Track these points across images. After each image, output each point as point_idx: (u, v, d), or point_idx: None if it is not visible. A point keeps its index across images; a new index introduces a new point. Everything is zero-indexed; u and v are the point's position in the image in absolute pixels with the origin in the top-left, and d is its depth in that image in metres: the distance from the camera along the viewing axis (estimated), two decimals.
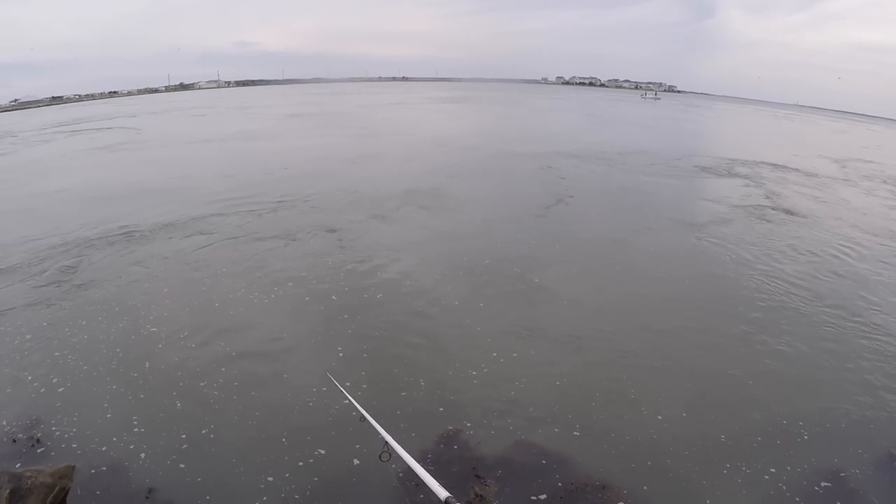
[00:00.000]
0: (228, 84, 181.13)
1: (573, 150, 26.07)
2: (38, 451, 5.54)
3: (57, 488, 4.82)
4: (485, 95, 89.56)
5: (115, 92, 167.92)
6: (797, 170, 24.37)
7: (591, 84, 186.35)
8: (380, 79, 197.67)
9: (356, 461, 5.51)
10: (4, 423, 6.03)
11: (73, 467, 5.21)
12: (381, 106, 60.87)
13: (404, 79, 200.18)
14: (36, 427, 5.91)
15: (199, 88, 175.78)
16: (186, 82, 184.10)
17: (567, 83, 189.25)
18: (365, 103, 64.67)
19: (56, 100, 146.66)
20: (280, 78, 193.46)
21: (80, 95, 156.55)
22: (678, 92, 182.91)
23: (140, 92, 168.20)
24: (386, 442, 3.61)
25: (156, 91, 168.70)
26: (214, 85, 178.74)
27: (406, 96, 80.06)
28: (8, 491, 4.47)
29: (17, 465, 5.26)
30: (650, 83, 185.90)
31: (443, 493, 2.90)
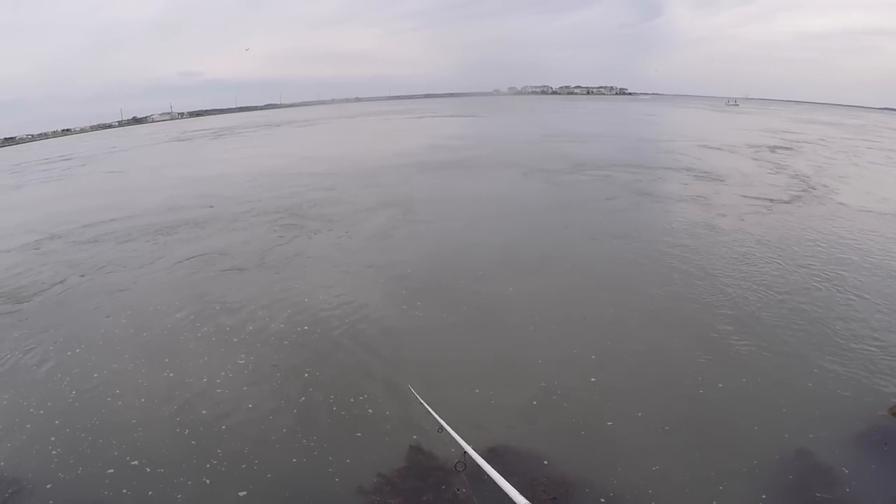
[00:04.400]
0: (182, 115, 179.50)
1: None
2: (8, 491, 5.74)
3: None
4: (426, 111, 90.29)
5: (68, 130, 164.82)
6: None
7: (542, 92, 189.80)
8: (332, 100, 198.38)
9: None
10: None
11: None
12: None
13: (357, 99, 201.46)
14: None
15: (153, 122, 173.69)
16: (139, 116, 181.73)
17: (519, 93, 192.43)
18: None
19: (9, 140, 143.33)
20: (233, 106, 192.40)
21: (32, 135, 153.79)
22: (629, 94, 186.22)
23: (93, 128, 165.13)
24: (464, 451, 3.63)
25: (109, 126, 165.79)
26: (168, 117, 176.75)
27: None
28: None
29: None
30: (601, 87, 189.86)
31: (522, 501, 2.90)
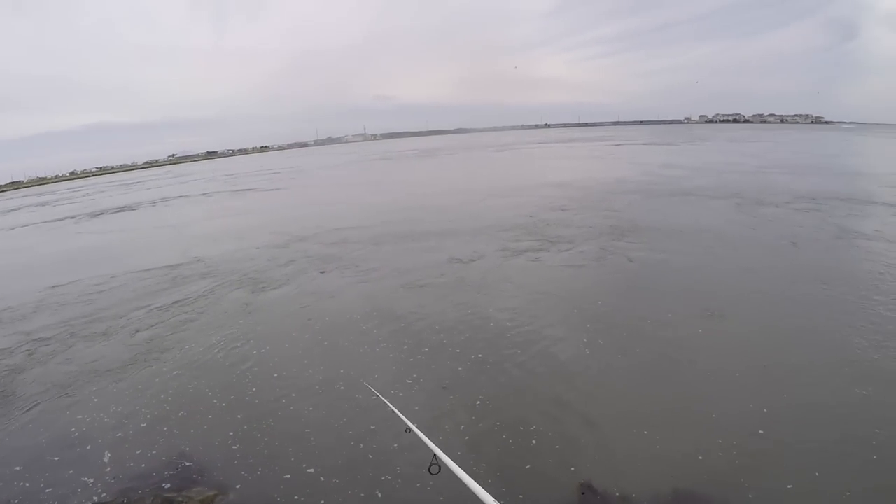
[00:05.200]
0: (374, 137, 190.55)
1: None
2: (188, 477, 6.00)
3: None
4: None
5: (266, 147, 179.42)
6: None
7: (734, 121, 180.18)
8: (522, 126, 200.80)
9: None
10: (164, 443, 6.68)
11: (215, 495, 5.59)
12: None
13: (546, 125, 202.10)
14: (187, 455, 6.42)
15: (347, 142, 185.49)
16: (334, 136, 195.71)
17: (710, 121, 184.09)
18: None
19: (211, 154, 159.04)
20: (424, 129, 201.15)
21: (233, 150, 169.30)
22: (826, 122, 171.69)
23: (290, 146, 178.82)
24: (434, 454, 3.49)
25: (304, 145, 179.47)
26: (361, 138, 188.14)
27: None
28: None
29: (167, 487, 5.81)
30: (796, 115, 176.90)
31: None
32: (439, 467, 3.46)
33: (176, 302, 12.34)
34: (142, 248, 19.92)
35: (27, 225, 33.75)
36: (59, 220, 34.21)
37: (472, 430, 6.53)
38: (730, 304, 9.95)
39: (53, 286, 14.95)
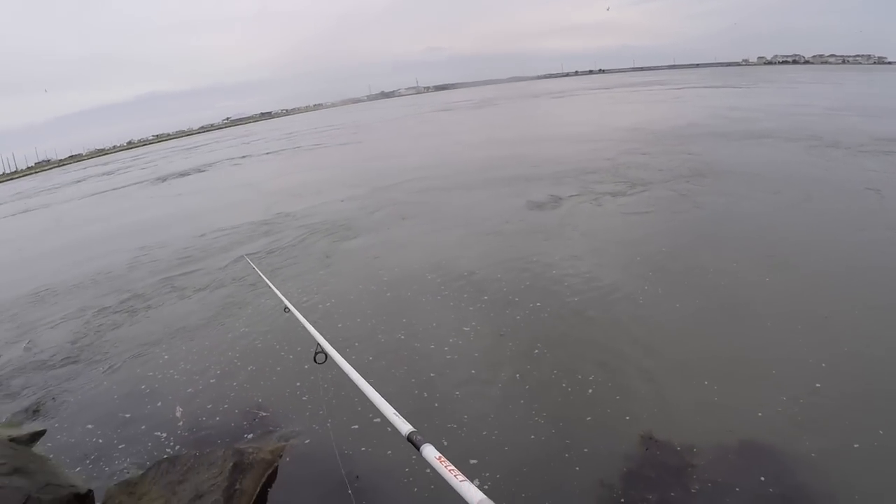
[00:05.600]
0: (427, 89, 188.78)
1: None
2: (259, 429, 6.13)
3: (273, 465, 5.32)
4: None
5: (319, 104, 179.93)
6: None
7: (794, 62, 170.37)
8: (576, 73, 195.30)
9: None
10: (234, 397, 6.85)
11: (284, 446, 5.69)
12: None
13: (601, 71, 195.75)
14: (257, 408, 6.55)
15: (400, 95, 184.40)
16: (387, 90, 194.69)
17: (769, 63, 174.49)
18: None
19: (265, 115, 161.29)
20: (476, 80, 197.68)
21: (286, 109, 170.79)
22: (889, 63, 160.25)
23: (343, 102, 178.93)
24: (317, 343, 3.60)
25: (357, 101, 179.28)
26: (413, 91, 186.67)
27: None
28: (231, 464, 4.83)
29: (238, 439, 5.92)
30: (857, 56, 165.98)
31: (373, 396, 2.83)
32: (325, 356, 3.64)
33: (256, 256, 12.57)
34: (225, 207, 20.40)
35: (100, 192, 34.96)
36: (129, 185, 35.45)
37: (530, 378, 6.49)
38: (797, 251, 9.53)
39: (142, 247, 15.56)
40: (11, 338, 10.13)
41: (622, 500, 4.58)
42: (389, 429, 2.83)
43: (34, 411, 7.37)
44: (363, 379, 3.11)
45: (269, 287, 5.83)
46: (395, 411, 2.69)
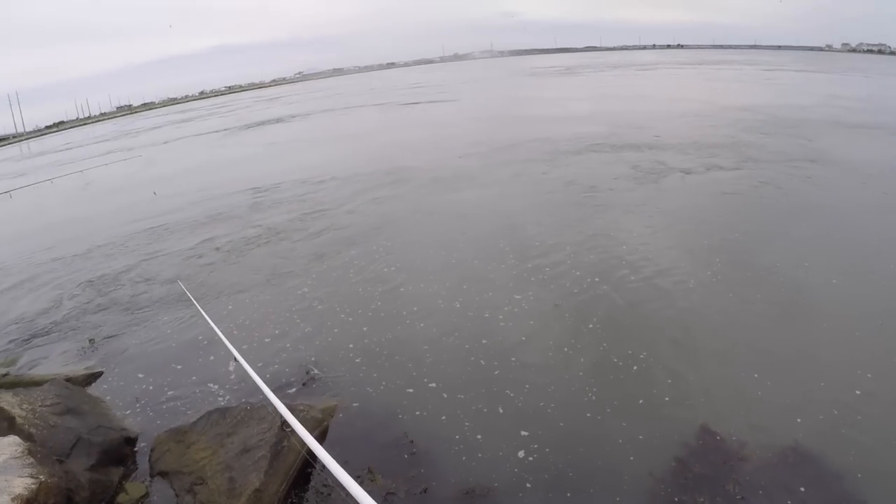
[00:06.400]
0: (501, 54, 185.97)
1: None
2: (312, 386, 6.06)
3: (324, 424, 5.22)
4: None
5: (392, 63, 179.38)
6: None
7: (879, 52, 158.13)
8: (654, 46, 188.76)
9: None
10: (286, 356, 6.76)
11: (336, 406, 5.58)
12: None
13: (679, 46, 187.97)
14: (311, 366, 6.44)
15: (474, 58, 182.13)
16: (460, 53, 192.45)
17: (853, 50, 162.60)
18: None
19: (337, 71, 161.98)
20: (552, 47, 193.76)
21: (358, 67, 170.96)
22: None
23: (416, 62, 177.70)
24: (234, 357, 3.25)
25: (430, 62, 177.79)
26: (488, 55, 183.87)
27: None
28: (281, 420, 4.70)
29: (290, 395, 5.87)
30: None
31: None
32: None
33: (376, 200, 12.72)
34: (339, 157, 20.24)
35: (186, 137, 36.09)
36: (220, 131, 36.50)
37: (583, 354, 6.29)
38: (878, 255, 8.73)
39: (255, 188, 15.83)
40: (90, 278, 10.44)
41: (674, 499, 4.34)
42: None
43: (93, 352, 7.53)
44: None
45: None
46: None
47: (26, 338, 8.27)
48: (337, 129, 30.57)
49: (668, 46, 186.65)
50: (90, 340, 7.82)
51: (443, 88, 53.83)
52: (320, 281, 8.97)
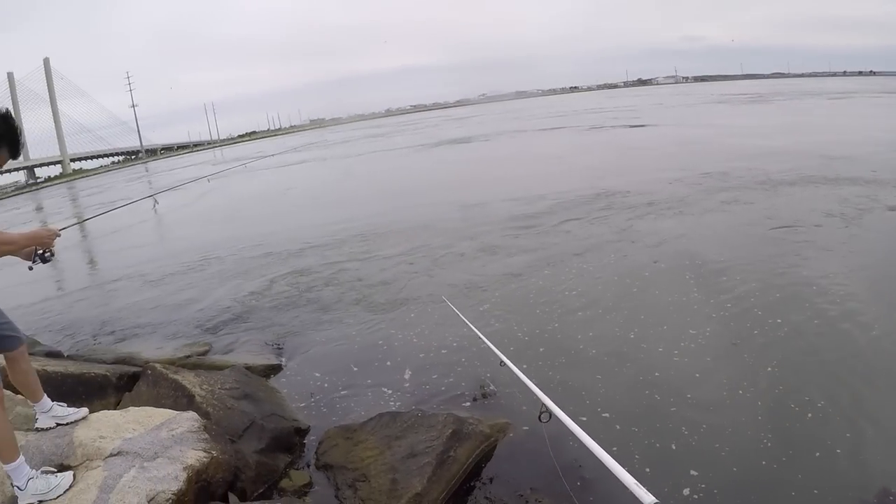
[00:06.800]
0: (686, 79, 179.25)
1: None
2: (483, 402, 5.96)
3: (492, 440, 5.07)
4: None
5: (575, 87, 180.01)
6: None
7: None
8: (844, 73, 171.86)
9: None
10: (461, 370, 6.68)
11: (509, 424, 5.40)
12: None
13: (871, 73, 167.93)
14: (487, 382, 6.32)
15: (657, 84, 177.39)
16: (644, 77, 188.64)
17: None
18: None
19: (520, 94, 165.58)
20: (738, 73, 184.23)
21: (541, 90, 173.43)
22: None
23: (599, 87, 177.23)
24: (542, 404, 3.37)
25: (614, 86, 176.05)
26: (672, 80, 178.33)
27: None
28: (451, 430, 4.75)
29: (462, 408, 5.77)
30: None
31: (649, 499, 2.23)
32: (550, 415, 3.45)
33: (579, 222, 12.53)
34: (541, 176, 20.14)
35: (379, 151, 38.22)
36: (412, 147, 38.14)
37: (760, 398, 5.70)
38: None
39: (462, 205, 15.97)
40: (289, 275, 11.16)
41: None
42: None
43: (277, 346, 7.95)
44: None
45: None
46: (635, 481, 2.39)
47: (216, 325, 8.93)
48: (534, 149, 30.62)
49: (860, 73, 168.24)
50: (276, 335, 8.26)
51: (636, 113, 52.47)
52: (503, 299, 8.85)
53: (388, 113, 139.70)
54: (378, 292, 9.64)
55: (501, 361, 4.55)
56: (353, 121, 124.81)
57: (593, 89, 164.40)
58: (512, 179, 19.88)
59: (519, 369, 4.36)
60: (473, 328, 6.19)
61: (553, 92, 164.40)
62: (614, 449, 4.81)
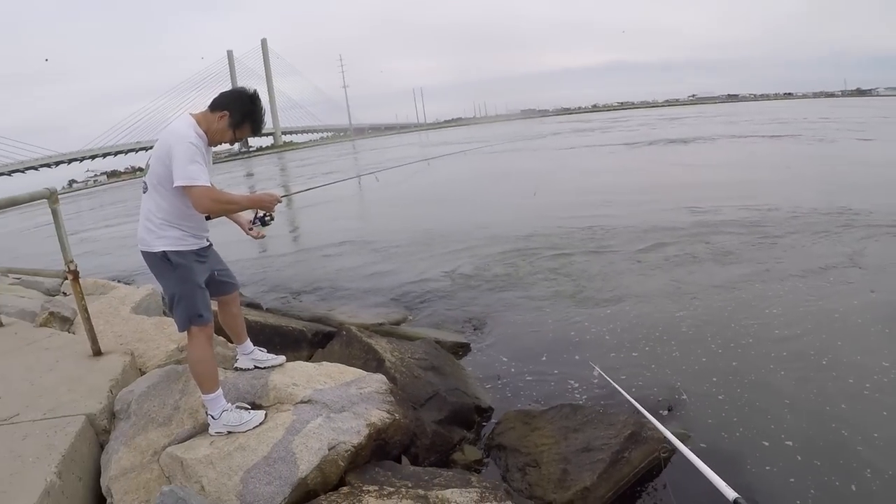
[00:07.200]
0: None
1: None
2: (661, 413, 5.63)
3: (662, 449, 4.82)
4: None
5: (789, 94, 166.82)
6: None
7: None
8: None
9: None
10: (650, 375, 6.43)
11: (688, 436, 5.20)
12: None
13: None
14: (673, 390, 6.09)
15: (878, 95, 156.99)
16: (863, 87, 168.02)
17: None
18: None
19: (731, 97, 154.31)
20: None
21: (754, 94, 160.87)
22: None
23: (814, 95, 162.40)
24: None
25: (832, 95, 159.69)
26: (894, 93, 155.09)
27: None
28: (629, 432, 4.68)
29: (646, 411, 5.28)
30: None
31: (731, 494, 2.53)
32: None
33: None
34: (782, 186, 18.18)
35: (590, 146, 37.38)
36: (625, 144, 36.80)
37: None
38: None
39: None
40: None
41: None
42: None
43: (472, 326, 8.21)
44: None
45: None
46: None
47: (417, 298, 9.38)
48: (759, 156, 28.15)
49: None
50: (474, 315, 8.52)
51: (863, 125, 45.89)
52: (698, 306, 8.41)
53: (595, 108, 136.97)
54: (592, 287, 9.43)
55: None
56: (558, 114, 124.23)
57: (808, 97, 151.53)
58: (739, 185, 18.47)
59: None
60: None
61: (766, 97, 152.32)
62: (791, 480, 4.75)
